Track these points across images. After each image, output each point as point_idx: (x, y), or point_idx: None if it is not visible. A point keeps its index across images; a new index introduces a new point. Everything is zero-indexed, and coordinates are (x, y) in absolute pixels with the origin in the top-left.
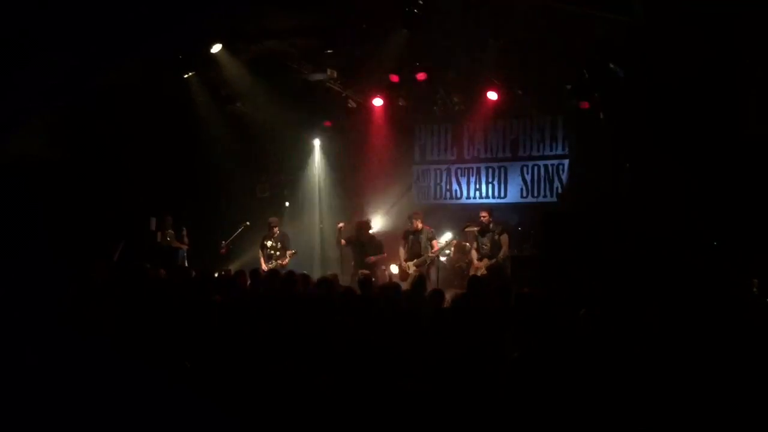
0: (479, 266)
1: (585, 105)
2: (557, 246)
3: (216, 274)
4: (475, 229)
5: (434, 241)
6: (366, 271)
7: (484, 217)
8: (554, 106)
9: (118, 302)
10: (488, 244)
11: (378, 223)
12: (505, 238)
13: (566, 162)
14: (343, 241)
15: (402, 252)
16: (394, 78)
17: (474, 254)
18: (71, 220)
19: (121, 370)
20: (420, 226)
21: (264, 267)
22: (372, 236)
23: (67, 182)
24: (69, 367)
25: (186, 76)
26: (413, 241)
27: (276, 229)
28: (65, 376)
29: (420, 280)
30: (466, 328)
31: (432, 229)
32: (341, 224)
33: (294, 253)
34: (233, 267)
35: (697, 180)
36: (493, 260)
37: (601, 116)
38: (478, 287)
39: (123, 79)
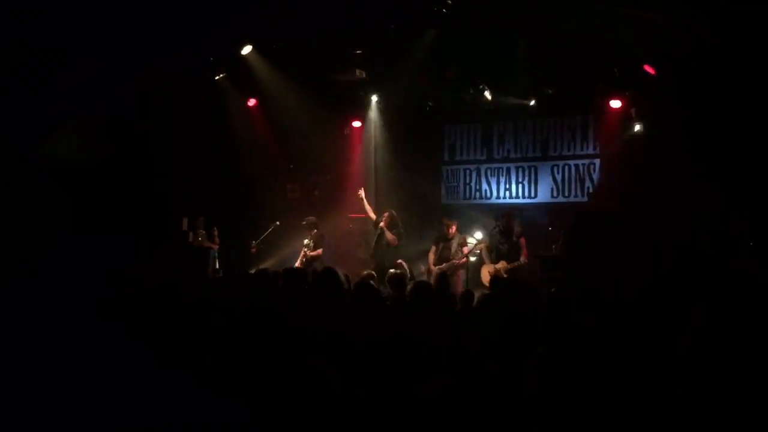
0: (498, 268)
1: (616, 104)
2: (588, 246)
3: None
4: (497, 229)
5: (464, 248)
6: (395, 270)
7: (505, 217)
8: (585, 105)
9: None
10: (506, 245)
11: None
12: (522, 241)
13: (597, 161)
14: (372, 215)
15: (431, 256)
16: (423, 78)
17: (485, 256)
18: (105, 220)
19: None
20: (453, 231)
21: (298, 263)
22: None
23: (101, 183)
24: (99, 366)
25: (217, 77)
26: (444, 247)
27: (313, 230)
28: (94, 374)
29: (442, 276)
30: (494, 326)
31: (465, 236)
32: (361, 192)
33: (319, 253)
34: (264, 267)
35: (732, 180)
36: (514, 263)
37: (633, 115)
38: (502, 286)
39: (155, 81)
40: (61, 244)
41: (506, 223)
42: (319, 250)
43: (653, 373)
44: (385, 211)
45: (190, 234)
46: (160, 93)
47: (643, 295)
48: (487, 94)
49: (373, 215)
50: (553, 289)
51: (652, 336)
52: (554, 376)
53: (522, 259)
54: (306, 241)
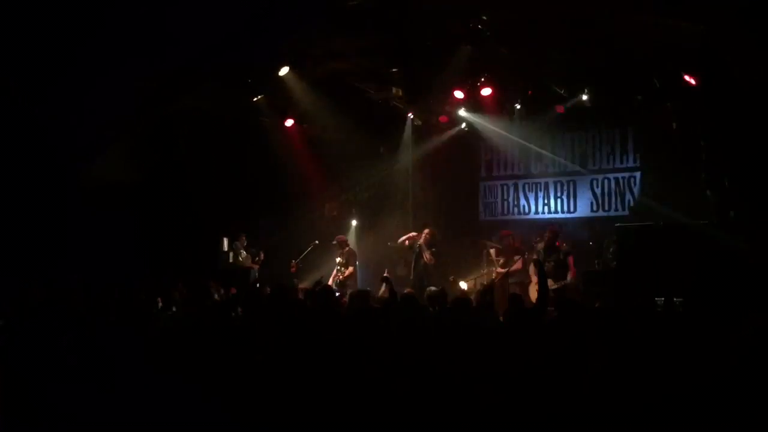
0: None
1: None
2: (631, 260)
3: None
4: (540, 246)
5: (516, 256)
6: (434, 288)
7: (548, 235)
8: (624, 117)
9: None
10: (552, 263)
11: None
12: (570, 260)
13: (638, 174)
14: (407, 242)
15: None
16: (459, 94)
17: (532, 273)
18: (148, 240)
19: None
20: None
21: (330, 281)
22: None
23: (143, 204)
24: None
25: (255, 99)
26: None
27: (345, 248)
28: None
29: (485, 291)
30: (534, 342)
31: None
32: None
33: (351, 271)
34: (303, 285)
35: None
36: (560, 282)
37: (674, 126)
38: (521, 304)
39: (195, 104)
40: (105, 262)
41: (550, 239)
42: (351, 268)
43: (708, 384)
44: (426, 228)
45: (230, 254)
46: (201, 115)
47: (694, 308)
48: (524, 109)
49: (407, 243)
50: (597, 304)
51: (706, 348)
52: (613, 391)
53: (569, 277)
54: (338, 260)
